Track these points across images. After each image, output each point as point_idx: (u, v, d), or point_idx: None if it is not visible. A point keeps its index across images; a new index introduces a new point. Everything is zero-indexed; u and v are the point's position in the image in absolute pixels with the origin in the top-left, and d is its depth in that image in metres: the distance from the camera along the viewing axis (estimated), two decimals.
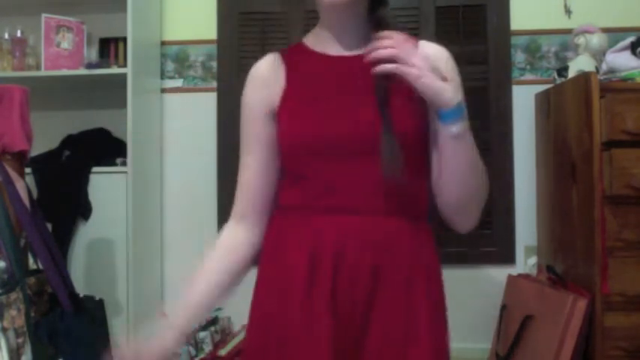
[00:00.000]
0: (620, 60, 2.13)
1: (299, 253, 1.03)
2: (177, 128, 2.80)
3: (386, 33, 0.99)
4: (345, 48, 1.09)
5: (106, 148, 2.64)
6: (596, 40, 2.35)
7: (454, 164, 1.01)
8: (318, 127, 1.03)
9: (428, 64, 0.95)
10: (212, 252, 1.14)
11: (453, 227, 1.08)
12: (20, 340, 1.69)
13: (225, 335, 2.58)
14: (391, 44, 0.96)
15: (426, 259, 1.06)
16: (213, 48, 2.79)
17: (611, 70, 2.15)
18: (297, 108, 1.07)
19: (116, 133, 2.68)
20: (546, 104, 2.46)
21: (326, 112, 1.04)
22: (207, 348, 2.44)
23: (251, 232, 1.14)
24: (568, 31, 2.53)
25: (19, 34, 2.60)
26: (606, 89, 2.04)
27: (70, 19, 2.59)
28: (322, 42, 1.12)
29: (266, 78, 1.13)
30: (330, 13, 1.09)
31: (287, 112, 1.08)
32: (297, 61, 1.12)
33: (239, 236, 1.14)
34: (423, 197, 1.07)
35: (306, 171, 1.05)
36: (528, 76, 2.69)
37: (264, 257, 1.12)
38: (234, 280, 1.13)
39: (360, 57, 1.03)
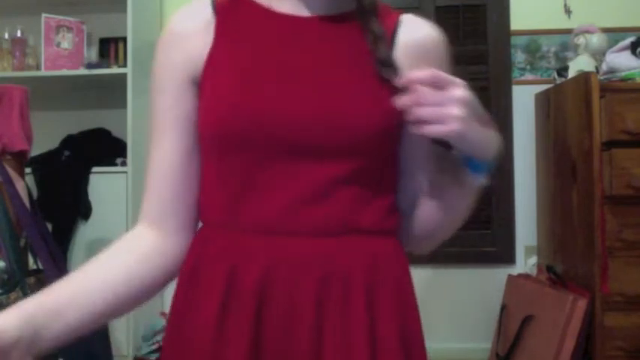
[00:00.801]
0: (620, 60, 2.13)
1: (209, 294, 0.73)
2: None
3: (402, 82, 0.71)
4: (301, 6, 0.79)
5: (106, 148, 2.64)
6: (596, 40, 2.35)
7: (454, 209, 0.81)
8: (266, 109, 0.73)
9: (467, 101, 0.69)
10: (108, 253, 0.79)
11: (408, 247, 0.83)
12: None
13: None
14: (417, 100, 0.68)
15: (395, 284, 0.77)
16: None
17: (611, 70, 2.15)
18: (235, 78, 0.75)
19: (116, 133, 2.68)
20: (546, 104, 2.46)
21: (276, 90, 0.74)
22: None
23: (166, 241, 0.79)
24: (568, 31, 2.52)
25: (19, 34, 2.60)
26: (606, 89, 2.04)
27: (70, 19, 2.59)
28: None
29: (190, 33, 0.78)
30: None
31: (219, 83, 0.76)
32: (236, 15, 0.80)
33: (149, 242, 0.79)
34: (393, 206, 0.80)
35: (235, 170, 0.75)
36: (528, 76, 2.69)
37: (175, 301, 0.78)
38: (131, 296, 0.77)
39: (325, 18, 0.78)
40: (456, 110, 0.67)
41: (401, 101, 0.70)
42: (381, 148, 0.76)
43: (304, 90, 0.74)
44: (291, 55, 0.76)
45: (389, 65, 0.75)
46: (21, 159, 2.02)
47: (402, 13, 0.82)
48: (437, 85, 0.69)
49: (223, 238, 0.75)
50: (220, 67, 0.77)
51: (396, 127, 0.75)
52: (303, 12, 0.79)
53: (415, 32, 0.80)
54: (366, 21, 0.77)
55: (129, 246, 0.81)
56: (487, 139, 0.72)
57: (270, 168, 0.73)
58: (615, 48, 2.17)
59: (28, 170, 2.29)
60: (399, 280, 0.77)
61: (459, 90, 0.69)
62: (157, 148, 0.83)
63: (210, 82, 0.76)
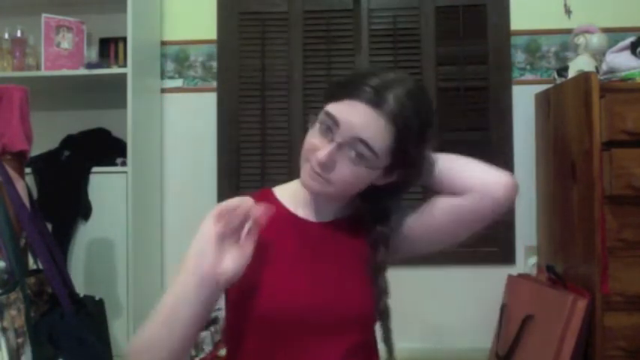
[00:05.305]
0: (620, 60, 2.13)
1: None
2: (177, 128, 2.80)
3: None
4: (318, 215, 1.06)
5: (106, 148, 2.64)
6: (596, 40, 2.35)
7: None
8: (294, 297, 0.98)
9: None
10: None
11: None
12: (20, 340, 1.69)
13: None
14: None
15: None
16: (213, 48, 2.79)
17: (611, 70, 2.15)
18: (272, 273, 0.99)
19: (116, 133, 2.68)
20: (546, 104, 2.46)
21: (301, 280, 0.99)
22: (208, 348, 2.44)
23: None
24: (568, 31, 2.53)
25: (19, 34, 2.60)
26: (606, 89, 2.04)
27: (70, 19, 2.59)
28: (296, 203, 1.07)
29: None
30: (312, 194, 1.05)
31: (260, 276, 0.98)
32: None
33: None
34: None
35: (261, 344, 0.98)
36: (528, 76, 2.69)
37: None
38: None
39: (329, 224, 1.05)
40: None
41: None
42: (371, 323, 1.02)
43: (323, 283, 0.99)
44: (312, 253, 1.02)
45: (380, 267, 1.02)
46: (21, 159, 2.02)
47: None
48: None
49: None
50: (259, 262, 0.95)
51: (376, 306, 1.01)
52: (315, 218, 1.05)
53: None
54: (367, 227, 1.03)
55: None
56: None
57: (289, 344, 0.96)
58: (615, 48, 2.16)
59: (28, 170, 2.29)
60: None
61: None
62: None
63: (252, 274, 0.94)
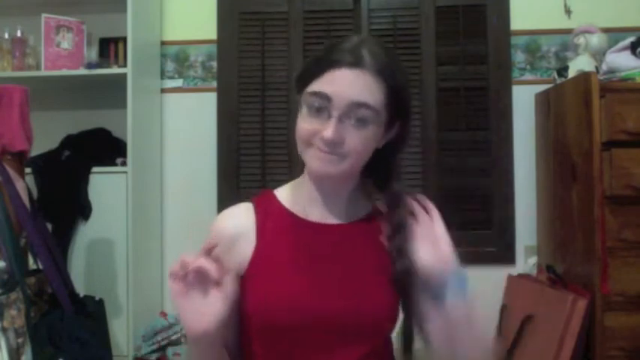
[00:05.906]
0: (620, 60, 2.13)
1: None
2: (177, 128, 2.80)
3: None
4: (327, 215, 1.01)
5: (106, 148, 2.64)
6: (596, 40, 2.35)
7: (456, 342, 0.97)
8: (304, 303, 0.93)
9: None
10: None
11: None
12: (20, 340, 1.69)
13: None
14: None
15: None
16: (213, 48, 2.79)
17: (611, 70, 2.15)
18: (276, 278, 0.96)
19: (116, 133, 2.68)
20: (546, 104, 2.46)
21: (304, 285, 0.94)
22: None
23: None
24: (568, 31, 2.53)
25: (19, 34, 2.60)
26: (606, 89, 2.04)
27: (70, 19, 2.59)
28: (301, 203, 1.02)
29: (239, 235, 0.99)
30: (321, 181, 1.00)
31: (263, 281, 0.95)
32: (272, 222, 1.01)
33: None
34: None
35: (277, 350, 0.95)
36: (528, 76, 2.69)
37: None
38: None
39: (345, 226, 1.00)
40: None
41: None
42: (389, 328, 0.98)
43: (333, 287, 0.95)
44: (320, 257, 0.97)
45: (403, 257, 0.95)
46: (21, 159, 2.02)
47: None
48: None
49: None
50: (263, 268, 0.96)
51: (397, 309, 0.97)
52: (329, 220, 1.00)
53: None
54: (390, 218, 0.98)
55: None
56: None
57: (298, 352, 0.93)
58: (615, 48, 2.16)
59: (28, 170, 2.29)
60: None
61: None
62: None
63: (256, 281, 0.95)
